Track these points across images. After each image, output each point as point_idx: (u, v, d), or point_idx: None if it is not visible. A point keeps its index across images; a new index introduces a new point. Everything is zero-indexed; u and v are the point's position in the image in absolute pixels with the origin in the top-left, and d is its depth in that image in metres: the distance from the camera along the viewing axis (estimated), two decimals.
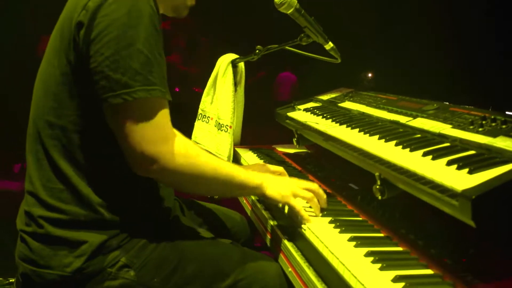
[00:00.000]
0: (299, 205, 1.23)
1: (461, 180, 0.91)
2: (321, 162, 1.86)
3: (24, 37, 4.71)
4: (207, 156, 1.18)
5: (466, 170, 0.95)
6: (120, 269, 1.11)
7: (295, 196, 1.24)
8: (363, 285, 0.91)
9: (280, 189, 1.24)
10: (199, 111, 2.12)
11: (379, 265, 1.00)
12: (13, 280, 2.50)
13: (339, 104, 1.82)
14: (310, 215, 1.23)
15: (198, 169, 1.13)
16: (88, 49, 1.03)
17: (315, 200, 1.27)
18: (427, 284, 0.94)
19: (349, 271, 0.97)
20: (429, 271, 1.01)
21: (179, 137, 1.11)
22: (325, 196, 1.30)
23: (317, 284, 1.05)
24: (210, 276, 1.19)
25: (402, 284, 0.92)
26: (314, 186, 1.30)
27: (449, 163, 1.01)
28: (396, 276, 0.94)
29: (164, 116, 1.07)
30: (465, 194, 0.86)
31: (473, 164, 0.96)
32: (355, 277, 0.94)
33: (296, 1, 1.57)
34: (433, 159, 1.06)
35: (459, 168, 0.97)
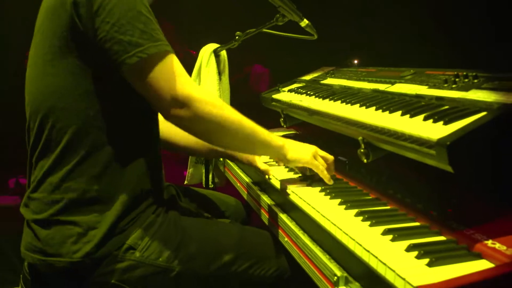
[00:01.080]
0: (320, 166, 1.32)
1: (437, 131, 0.96)
2: (309, 140, 1.90)
3: None
4: (231, 108, 1.21)
5: (441, 122, 1.00)
6: (126, 252, 1.14)
7: (315, 158, 1.32)
8: (354, 240, 0.96)
9: (302, 152, 1.31)
10: None
11: (368, 222, 1.05)
12: None
13: (321, 82, 1.86)
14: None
15: (225, 118, 1.16)
16: (93, 22, 1.07)
17: (332, 167, 1.36)
18: (415, 234, 0.99)
19: (340, 229, 1.01)
20: (416, 223, 1.06)
21: (200, 87, 1.14)
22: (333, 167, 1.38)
23: (312, 246, 1.10)
24: (212, 253, 1.23)
25: (391, 236, 0.96)
26: (330, 156, 1.37)
27: (426, 118, 1.06)
28: (385, 229, 0.99)
29: (178, 63, 1.13)
30: (441, 142, 0.90)
31: (447, 116, 1.01)
32: (347, 234, 0.99)
33: None
34: (410, 117, 1.11)
35: (434, 121, 1.02)
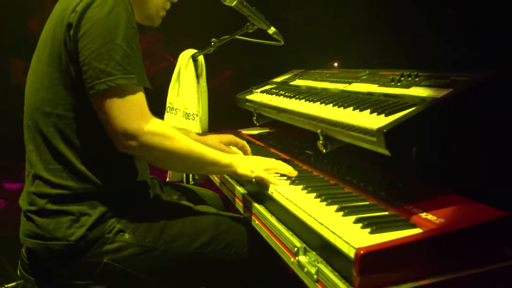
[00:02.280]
0: (268, 176, 1.39)
1: (378, 122, 1.14)
2: (280, 137, 2.08)
3: None
4: (181, 136, 1.32)
5: (383, 114, 1.17)
6: (116, 234, 1.29)
7: (265, 170, 1.40)
8: (311, 216, 1.12)
9: (250, 166, 1.40)
10: (167, 104, 2.30)
11: (325, 202, 1.21)
12: (9, 286, 2.63)
13: (290, 83, 2.03)
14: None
15: (174, 147, 1.27)
16: (76, 46, 1.21)
17: (281, 167, 1.44)
18: (363, 210, 1.15)
19: (300, 208, 1.18)
20: (366, 203, 1.23)
21: (155, 119, 1.28)
22: (289, 167, 1.47)
23: (277, 225, 1.26)
24: (192, 234, 1.38)
25: (342, 212, 1.13)
26: (277, 162, 1.46)
27: (372, 112, 1.23)
28: (338, 207, 1.16)
29: (141, 99, 1.24)
30: (379, 130, 1.08)
31: (388, 109, 1.18)
32: (305, 212, 1.15)
33: None
34: (360, 111, 1.28)
35: (378, 114, 1.20)
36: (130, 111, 1.21)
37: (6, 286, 2.65)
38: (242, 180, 1.56)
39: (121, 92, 1.21)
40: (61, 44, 1.24)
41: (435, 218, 1.06)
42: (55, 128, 1.28)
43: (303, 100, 1.64)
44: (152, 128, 1.23)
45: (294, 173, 1.45)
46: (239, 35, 1.93)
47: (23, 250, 1.47)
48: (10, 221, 4.00)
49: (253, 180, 1.44)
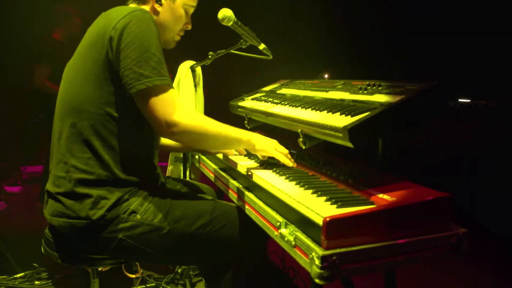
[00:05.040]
0: (281, 154, 1.74)
1: (345, 121, 1.41)
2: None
3: None
4: (210, 120, 1.62)
5: (350, 116, 1.45)
6: (130, 215, 1.54)
7: (277, 151, 1.75)
8: (291, 197, 1.39)
9: (266, 144, 1.74)
10: None
11: (303, 188, 1.48)
12: (18, 276, 2.86)
13: (277, 91, 2.32)
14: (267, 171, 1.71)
15: (205, 130, 1.57)
16: (118, 56, 1.49)
17: (285, 152, 1.78)
18: (334, 192, 1.42)
19: (282, 191, 1.44)
20: (336, 188, 1.50)
21: (187, 110, 1.56)
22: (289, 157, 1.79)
23: (264, 207, 1.50)
24: (193, 216, 1.64)
25: (316, 194, 1.40)
26: (284, 148, 1.79)
27: (341, 114, 1.51)
28: (313, 191, 1.43)
29: (173, 95, 1.53)
30: (345, 127, 1.36)
31: (354, 111, 1.46)
32: (286, 194, 1.42)
33: (234, 16, 2.05)
34: (332, 113, 1.57)
35: (346, 115, 1.48)
36: (167, 106, 1.49)
37: (15, 276, 2.87)
38: (258, 154, 1.83)
39: (158, 91, 1.48)
40: (101, 53, 1.51)
41: (389, 197, 1.33)
42: (88, 122, 1.54)
43: (287, 105, 1.92)
44: (187, 117, 1.52)
45: (292, 164, 1.75)
46: (234, 50, 2.21)
47: (47, 230, 1.72)
48: (10, 222, 4.22)
49: (267, 155, 1.77)
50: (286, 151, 1.78)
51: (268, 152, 1.75)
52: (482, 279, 2.91)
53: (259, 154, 1.81)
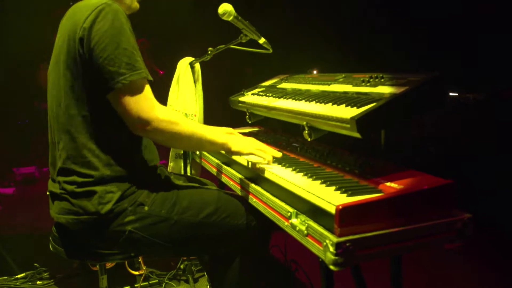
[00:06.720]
0: (259, 152, 1.71)
1: (352, 113, 1.44)
2: (269, 134, 2.38)
3: None
4: (185, 120, 1.62)
5: (355, 107, 1.49)
6: (137, 207, 1.56)
7: (254, 149, 1.72)
8: (300, 187, 1.42)
9: (242, 145, 1.73)
10: (167, 106, 2.57)
11: (311, 179, 1.51)
12: (19, 276, 2.85)
13: (278, 86, 2.34)
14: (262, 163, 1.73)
15: (179, 130, 1.57)
16: (90, 56, 1.47)
17: (267, 149, 1.75)
18: (342, 182, 1.45)
19: (291, 182, 1.47)
20: (344, 177, 1.53)
21: (163, 107, 1.56)
22: (274, 150, 1.79)
23: (273, 199, 1.53)
24: (199, 206, 1.66)
25: (325, 184, 1.43)
26: (264, 145, 1.78)
27: (346, 106, 1.54)
28: (321, 181, 1.46)
29: (149, 92, 1.52)
30: (353, 118, 1.39)
31: (359, 103, 1.49)
32: (295, 185, 1.45)
33: (234, 11, 2.07)
34: (337, 105, 1.60)
35: (351, 107, 1.51)
36: (142, 103, 1.49)
37: (17, 277, 2.86)
38: (236, 156, 1.82)
39: (133, 88, 1.47)
40: (75, 55, 1.49)
41: (397, 185, 1.36)
42: (83, 127, 1.53)
43: (290, 99, 1.95)
44: (161, 115, 1.52)
45: (278, 154, 1.76)
46: (234, 45, 2.22)
47: (53, 228, 1.72)
48: (6, 223, 4.20)
49: (246, 156, 1.74)
50: (266, 147, 1.75)
51: (244, 153, 1.73)
52: (470, 276, 2.95)
53: (236, 155, 1.78)
